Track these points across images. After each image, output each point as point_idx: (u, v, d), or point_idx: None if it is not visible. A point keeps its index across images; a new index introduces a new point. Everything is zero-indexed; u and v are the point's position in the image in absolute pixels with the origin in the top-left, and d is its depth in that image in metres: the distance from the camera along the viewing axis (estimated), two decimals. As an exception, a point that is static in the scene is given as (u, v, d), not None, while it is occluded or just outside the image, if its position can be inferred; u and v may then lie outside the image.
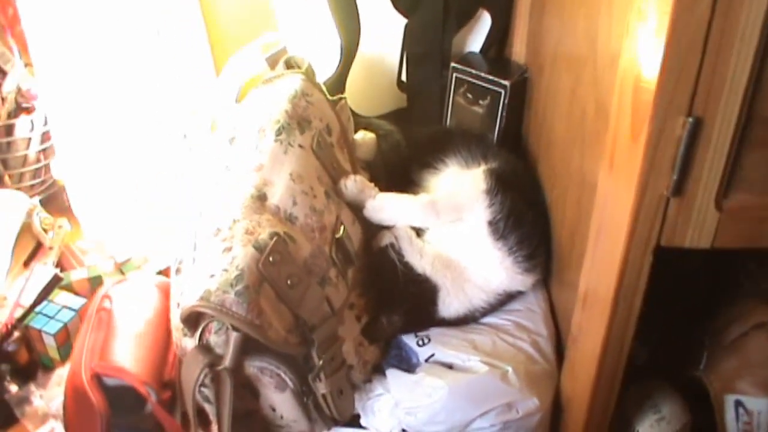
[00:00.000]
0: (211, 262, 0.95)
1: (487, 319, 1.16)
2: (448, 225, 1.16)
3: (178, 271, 1.07)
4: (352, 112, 1.33)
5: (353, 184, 1.14)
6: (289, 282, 0.96)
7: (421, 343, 1.12)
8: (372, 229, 1.19)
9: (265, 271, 0.93)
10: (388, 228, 1.17)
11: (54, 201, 1.52)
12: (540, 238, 1.17)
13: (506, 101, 1.35)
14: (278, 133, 1.09)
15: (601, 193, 0.89)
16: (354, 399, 1.07)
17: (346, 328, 1.08)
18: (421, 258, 1.13)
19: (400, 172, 1.31)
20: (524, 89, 1.37)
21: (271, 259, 0.94)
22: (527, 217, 1.15)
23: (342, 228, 1.09)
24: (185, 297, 0.97)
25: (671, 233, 0.79)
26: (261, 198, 1.02)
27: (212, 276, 0.93)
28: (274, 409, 1.05)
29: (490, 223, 1.13)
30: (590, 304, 0.96)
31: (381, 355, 1.15)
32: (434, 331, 1.14)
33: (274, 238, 0.96)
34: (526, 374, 1.03)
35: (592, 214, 0.92)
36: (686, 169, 0.74)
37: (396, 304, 1.13)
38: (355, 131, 1.33)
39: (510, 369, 1.03)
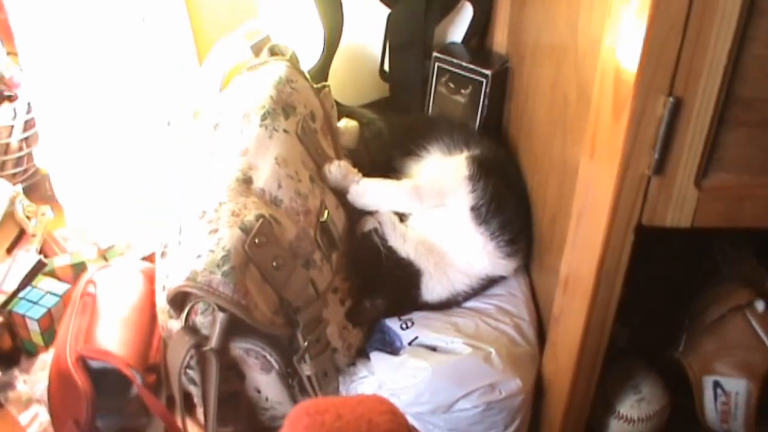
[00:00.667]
0: (198, 243, 0.96)
1: (469, 303, 1.17)
2: (431, 210, 1.17)
3: (163, 254, 1.07)
4: (336, 101, 1.34)
5: (337, 168, 1.15)
6: (274, 264, 0.97)
7: (404, 326, 1.13)
8: (356, 215, 1.20)
9: (251, 253, 0.94)
10: (371, 213, 1.18)
11: (36, 189, 1.52)
12: (522, 223, 1.18)
13: (488, 90, 1.37)
14: (263, 118, 1.10)
15: (582, 177, 0.91)
16: (338, 381, 1.08)
17: (330, 312, 1.09)
18: (404, 242, 1.14)
19: (382, 160, 1.32)
20: (505, 78, 1.39)
21: (256, 240, 0.95)
22: (509, 203, 1.17)
23: (326, 212, 1.10)
24: (171, 279, 0.97)
25: (652, 212, 0.81)
26: (246, 181, 1.03)
27: (199, 257, 0.93)
28: (259, 391, 1.06)
29: (473, 209, 1.14)
30: (572, 287, 0.97)
31: (365, 339, 1.16)
32: (417, 315, 1.15)
33: (260, 220, 0.96)
34: (509, 356, 1.05)
35: (574, 198, 0.94)
36: (667, 148, 0.76)
37: (379, 288, 1.14)
38: (338, 120, 1.34)
39: (493, 351, 1.04)
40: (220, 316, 0.94)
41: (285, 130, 1.11)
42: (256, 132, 1.08)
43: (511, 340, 1.09)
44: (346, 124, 1.33)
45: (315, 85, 1.26)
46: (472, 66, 1.38)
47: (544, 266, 1.16)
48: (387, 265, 1.14)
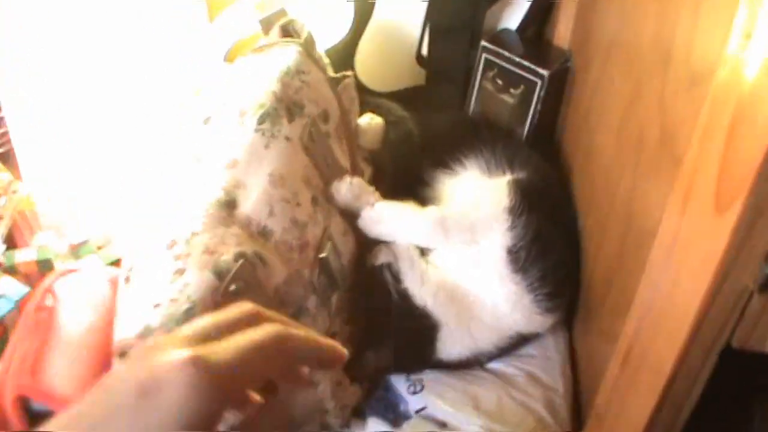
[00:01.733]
0: (159, 285, 0.77)
1: (495, 365, 0.97)
2: (459, 247, 0.96)
3: (127, 280, 0.88)
4: (360, 86, 1.12)
5: (348, 187, 0.95)
6: (254, 316, 0.77)
7: (413, 389, 0.94)
8: (368, 240, 0.99)
9: (224, 304, 0.74)
10: (386, 243, 0.97)
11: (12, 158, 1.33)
12: (567, 272, 0.97)
13: (542, 93, 1.14)
14: (261, 120, 0.89)
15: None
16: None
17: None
18: (422, 286, 0.94)
19: (408, 168, 1.10)
20: (565, 81, 1.16)
21: (233, 288, 0.76)
22: (555, 247, 0.95)
23: (328, 245, 0.90)
24: (120, 326, 0.79)
25: (747, 334, 0.59)
26: (230, 204, 0.83)
27: (157, 306, 0.75)
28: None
29: (510, 251, 0.93)
30: (634, 366, 0.76)
31: (363, 397, 0.97)
32: (430, 376, 0.95)
33: (240, 261, 0.77)
34: (535, 447, 0.85)
35: (639, 264, 0.72)
36: (787, 262, 0.54)
37: (387, 337, 0.94)
38: (361, 113, 1.13)
39: (516, 442, 0.85)
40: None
41: (287, 137, 0.90)
42: (249, 138, 0.88)
43: (539, 421, 0.89)
44: (369, 121, 1.11)
45: (333, 75, 1.04)
46: (526, 62, 1.15)
47: (592, 327, 0.95)
48: (398, 311, 0.94)
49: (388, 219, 0.96)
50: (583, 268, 0.98)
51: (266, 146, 0.88)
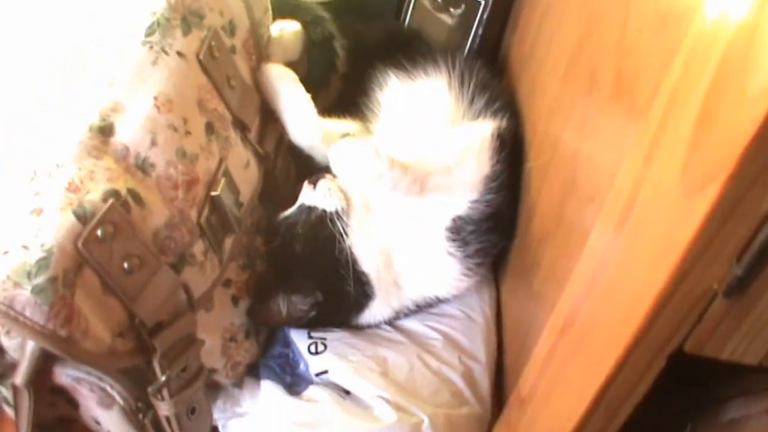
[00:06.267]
0: (12, 227, 0.63)
1: (410, 324, 0.87)
2: (410, 204, 0.83)
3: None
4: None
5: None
6: (126, 265, 0.66)
7: (314, 349, 0.83)
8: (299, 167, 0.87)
9: (87, 253, 0.63)
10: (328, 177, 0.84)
11: None
12: (508, 234, 0.86)
13: (485, 16, 1.01)
14: (149, 31, 0.75)
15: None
16: (211, 419, 0.79)
17: (213, 316, 0.78)
18: (367, 249, 0.82)
19: (325, 75, 0.97)
20: (511, 5, 1.02)
21: (99, 233, 0.64)
22: (507, 219, 0.85)
23: (222, 182, 0.77)
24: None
25: (703, 339, 0.49)
26: (105, 131, 0.69)
27: (5, 253, 0.61)
28: (98, 423, 0.76)
29: (457, 220, 0.81)
30: (568, 350, 0.66)
31: (258, 353, 0.86)
32: (333, 335, 0.85)
33: (110, 201, 0.65)
34: (448, 424, 0.75)
35: (583, 242, 0.61)
36: (761, 264, 0.43)
37: (309, 286, 0.82)
38: (274, 18, 0.97)
39: (426, 419, 0.75)
40: (31, 344, 0.63)
41: (180, 53, 0.76)
42: (134, 53, 0.73)
43: (455, 394, 0.80)
44: (281, 30, 0.95)
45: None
46: (469, -22, 1.01)
47: (523, 286, 0.85)
48: (335, 268, 0.82)
49: (362, 159, 0.80)
50: (521, 214, 0.87)
51: (154, 63, 0.74)
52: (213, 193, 0.76)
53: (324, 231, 0.82)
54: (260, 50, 0.91)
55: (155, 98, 0.72)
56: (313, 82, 0.92)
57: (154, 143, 0.71)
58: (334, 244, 0.81)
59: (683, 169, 0.44)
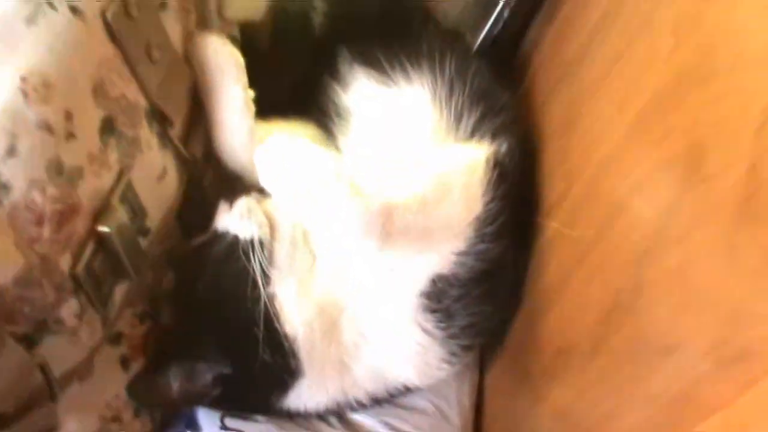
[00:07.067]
0: None
1: (363, 417, 0.64)
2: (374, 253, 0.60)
3: None
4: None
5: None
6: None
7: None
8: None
9: None
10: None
11: None
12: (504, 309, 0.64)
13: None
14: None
15: None
16: None
17: (90, 386, 0.55)
18: (297, 304, 0.59)
19: (296, 51, 0.73)
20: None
21: None
22: (504, 279, 0.62)
23: (118, 208, 0.53)
24: None
25: None
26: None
27: None
28: None
29: (439, 281, 0.59)
30: None
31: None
32: (254, 428, 0.62)
33: None
34: None
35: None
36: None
37: (211, 350, 0.59)
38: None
39: None
40: None
41: (74, 8, 0.51)
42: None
43: None
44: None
45: None
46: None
47: (520, 378, 0.63)
48: (246, 324, 0.59)
49: (301, 165, 0.58)
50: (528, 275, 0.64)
51: (30, 20, 0.48)
52: (101, 229, 0.51)
53: (234, 267, 0.59)
54: (204, 4, 0.65)
55: (23, 79, 0.47)
56: (273, 59, 0.67)
57: (11, 152, 0.46)
58: (247, 288, 0.58)
59: None
